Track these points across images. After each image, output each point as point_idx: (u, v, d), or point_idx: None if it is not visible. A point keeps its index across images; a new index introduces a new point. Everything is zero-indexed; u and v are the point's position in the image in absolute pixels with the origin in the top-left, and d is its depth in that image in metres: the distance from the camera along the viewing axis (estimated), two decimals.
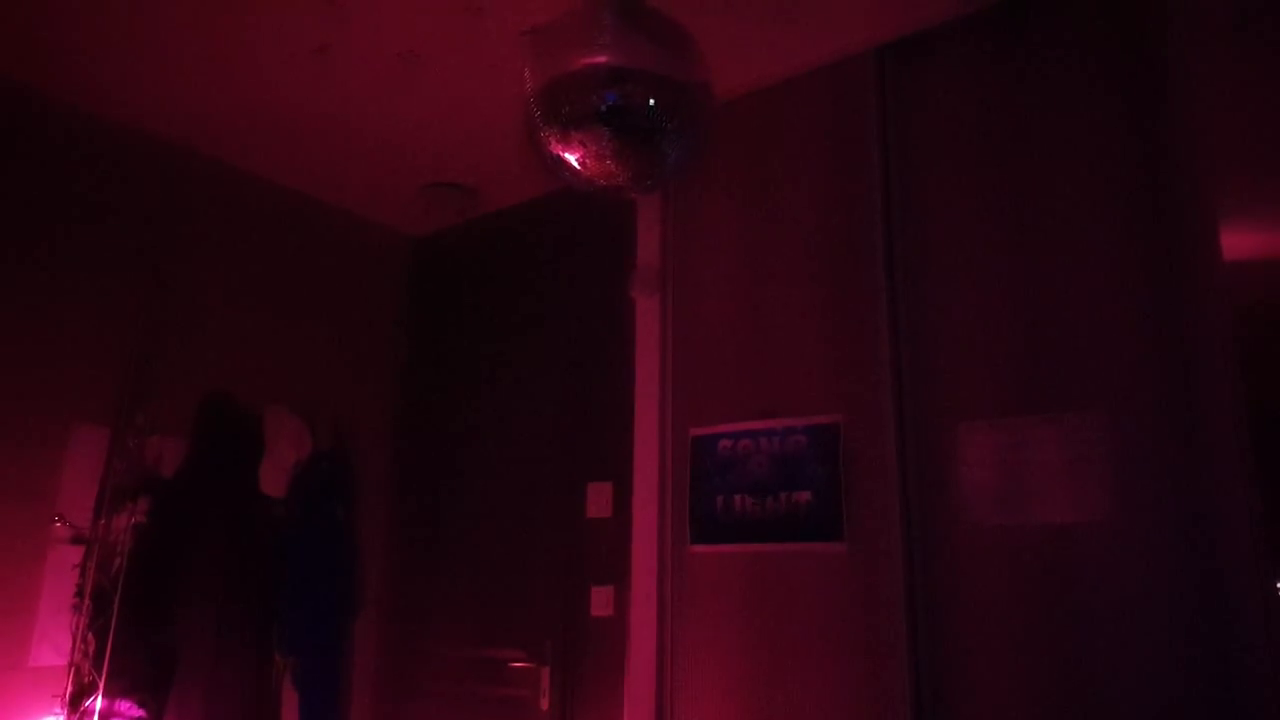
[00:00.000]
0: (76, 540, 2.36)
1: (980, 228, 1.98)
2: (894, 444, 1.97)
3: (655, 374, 2.40)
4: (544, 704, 2.54)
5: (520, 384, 2.95)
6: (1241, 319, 1.65)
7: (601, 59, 1.90)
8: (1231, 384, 1.63)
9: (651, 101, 1.92)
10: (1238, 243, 1.62)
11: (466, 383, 3.12)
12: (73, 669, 2.29)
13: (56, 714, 2.25)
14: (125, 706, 2.30)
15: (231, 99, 2.51)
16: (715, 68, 1.82)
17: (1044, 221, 1.89)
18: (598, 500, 2.59)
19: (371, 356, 3.26)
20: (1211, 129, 1.72)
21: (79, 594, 2.34)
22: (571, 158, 2.00)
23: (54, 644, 2.30)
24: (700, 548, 2.21)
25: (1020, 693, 1.72)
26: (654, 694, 2.18)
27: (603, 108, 1.92)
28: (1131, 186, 1.81)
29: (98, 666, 2.28)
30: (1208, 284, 1.68)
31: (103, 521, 2.39)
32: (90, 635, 2.31)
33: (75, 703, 2.27)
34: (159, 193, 2.71)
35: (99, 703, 2.26)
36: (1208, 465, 1.62)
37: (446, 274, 3.34)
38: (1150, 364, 1.71)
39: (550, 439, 2.79)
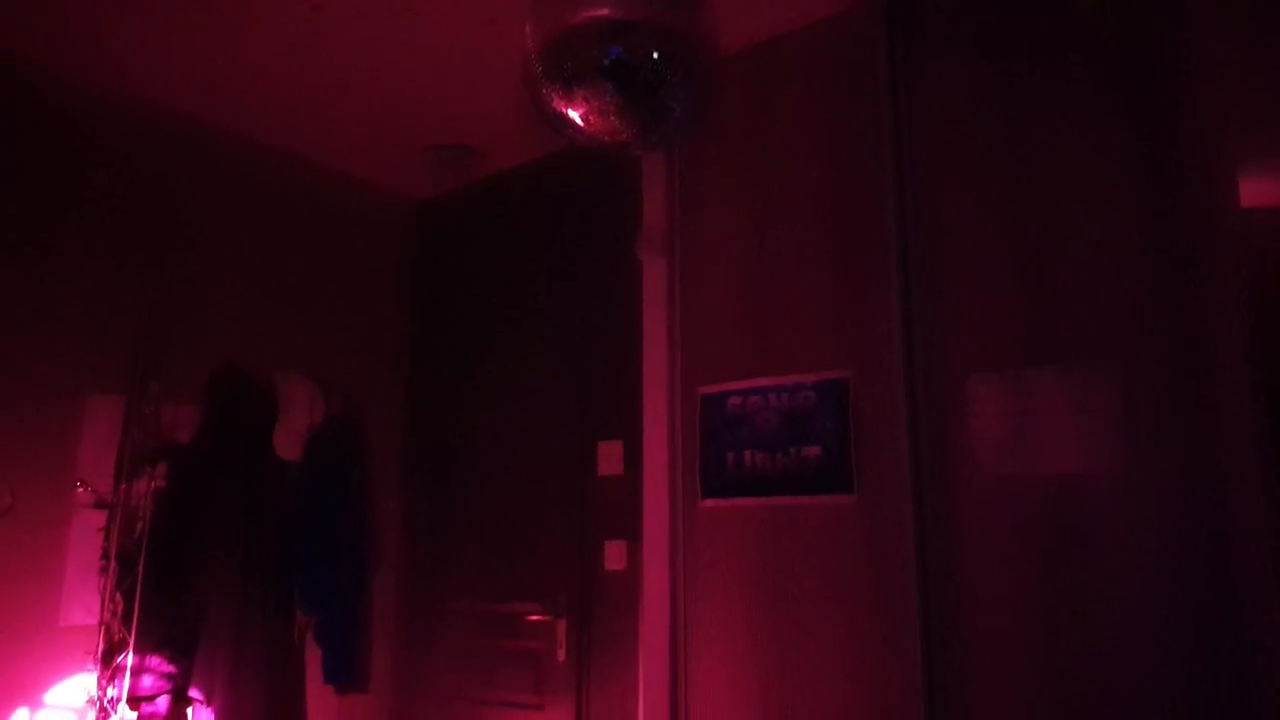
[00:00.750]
0: (99, 505, 2.42)
1: (991, 180, 1.95)
2: (903, 397, 1.97)
3: (663, 333, 2.40)
4: (561, 655, 2.60)
5: (530, 345, 2.95)
6: (1257, 266, 1.63)
7: (603, 12, 1.86)
8: (1243, 333, 1.61)
9: (655, 55, 1.89)
10: (1254, 189, 1.59)
11: (476, 344, 3.12)
12: (103, 628, 2.35)
13: (90, 669, 2.32)
14: (156, 663, 2.37)
15: (228, 61, 2.48)
16: (719, 19, 1.79)
17: (1056, 170, 1.86)
18: (609, 458, 2.62)
19: (380, 320, 3.27)
20: (1229, 69, 1.68)
21: (105, 556, 2.40)
22: (575, 114, 1.97)
23: (83, 604, 2.37)
24: (711, 502, 2.23)
25: (1028, 641, 1.74)
26: (668, 642, 2.22)
27: (605, 62, 1.89)
28: (1147, 131, 1.77)
29: (127, 625, 2.34)
30: (1222, 231, 1.65)
31: (123, 486, 2.44)
32: (118, 595, 2.37)
33: (107, 659, 2.34)
34: (161, 162, 2.70)
35: (130, 659, 2.33)
36: (1217, 415, 1.61)
37: (452, 236, 3.33)
38: (1163, 313, 1.69)
39: (561, 400, 2.81)
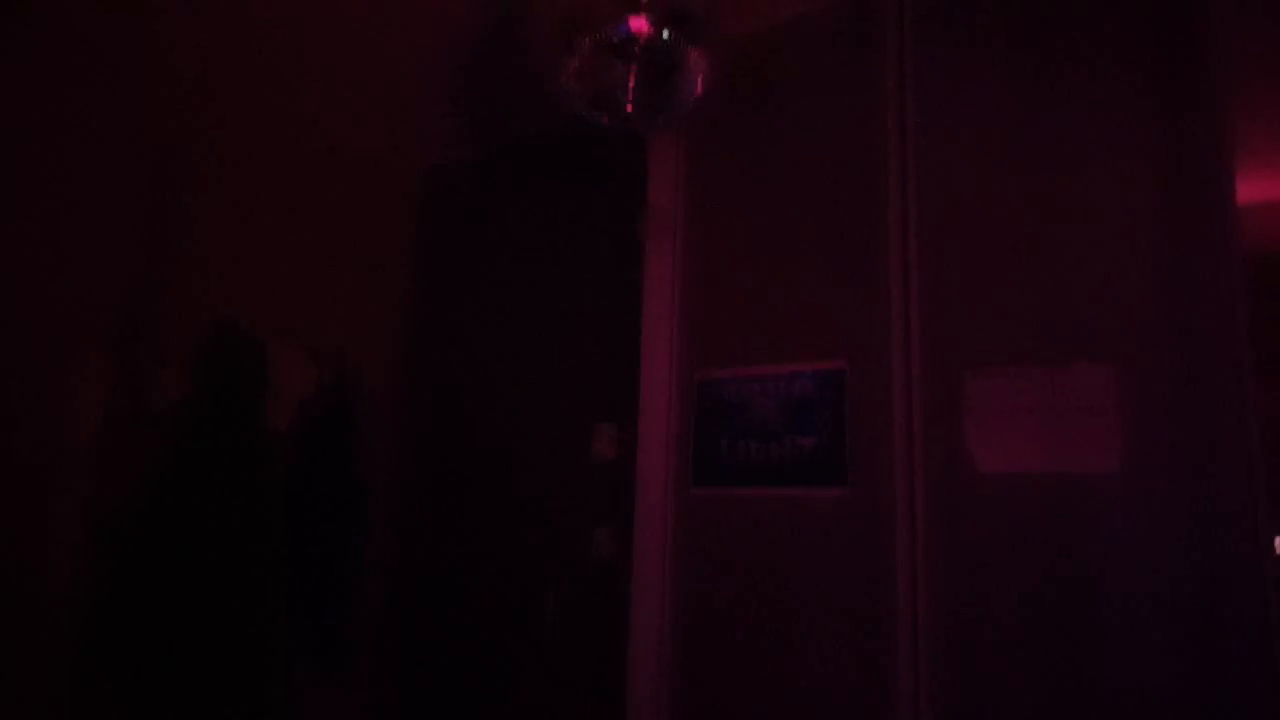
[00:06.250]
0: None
1: (995, 181, 1.95)
2: (899, 391, 1.96)
3: (663, 319, 2.38)
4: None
5: (527, 327, 2.93)
6: (1257, 266, 1.64)
7: None
8: (1241, 334, 1.62)
9: (666, 34, 1.89)
10: (1253, 188, 1.60)
11: (475, 321, 3.09)
12: None
13: None
14: None
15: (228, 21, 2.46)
16: (731, 1, 1.79)
17: (1059, 173, 1.87)
18: (603, 441, 2.61)
19: (379, 293, 3.23)
20: (1232, 70, 1.69)
21: None
22: (584, 92, 1.96)
23: None
24: (701, 490, 2.22)
25: (1024, 636, 1.73)
26: (658, 626, 2.21)
27: (616, 40, 1.88)
28: (1149, 127, 1.78)
29: None
30: (1220, 229, 1.66)
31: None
32: None
33: None
34: (163, 119, 2.67)
35: None
36: (1216, 420, 1.61)
37: (455, 208, 3.28)
38: (1162, 313, 1.70)
39: (557, 382, 2.79)
